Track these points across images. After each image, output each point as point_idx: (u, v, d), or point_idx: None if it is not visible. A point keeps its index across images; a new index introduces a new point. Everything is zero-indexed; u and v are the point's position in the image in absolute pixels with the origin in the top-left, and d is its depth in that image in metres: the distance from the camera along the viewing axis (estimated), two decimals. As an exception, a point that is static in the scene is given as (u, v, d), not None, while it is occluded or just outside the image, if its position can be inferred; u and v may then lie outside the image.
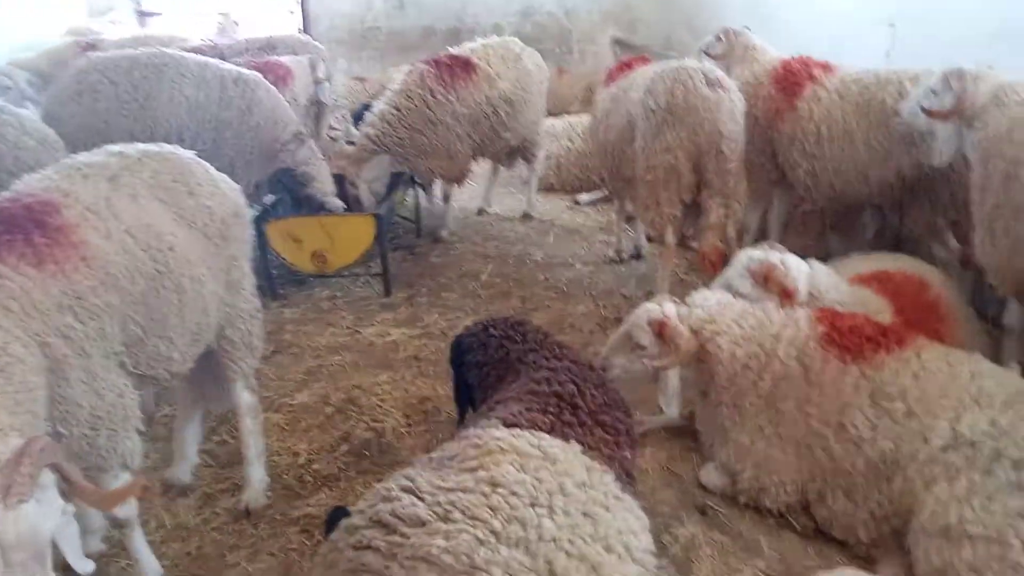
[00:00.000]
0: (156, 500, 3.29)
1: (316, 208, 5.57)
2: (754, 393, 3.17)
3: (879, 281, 3.79)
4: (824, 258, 4.17)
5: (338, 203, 5.60)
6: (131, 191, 2.77)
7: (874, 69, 4.69)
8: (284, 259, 5.42)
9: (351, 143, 6.26)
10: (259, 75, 5.32)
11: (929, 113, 3.86)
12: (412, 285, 5.68)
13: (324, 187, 5.52)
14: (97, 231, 2.55)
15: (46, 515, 1.87)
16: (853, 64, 4.84)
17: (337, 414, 3.97)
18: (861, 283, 3.79)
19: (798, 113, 4.75)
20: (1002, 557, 2.41)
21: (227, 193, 3.13)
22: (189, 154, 3.11)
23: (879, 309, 3.59)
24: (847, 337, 3.08)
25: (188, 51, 5.53)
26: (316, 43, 8.63)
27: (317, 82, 7.14)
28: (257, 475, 3.36)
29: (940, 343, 3.11)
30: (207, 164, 3.14)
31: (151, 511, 3.18)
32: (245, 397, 3.31)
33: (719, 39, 5.27)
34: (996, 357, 3.68)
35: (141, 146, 3.02)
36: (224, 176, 3.19)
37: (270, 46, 7.67)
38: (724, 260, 4.54)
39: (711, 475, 3.33)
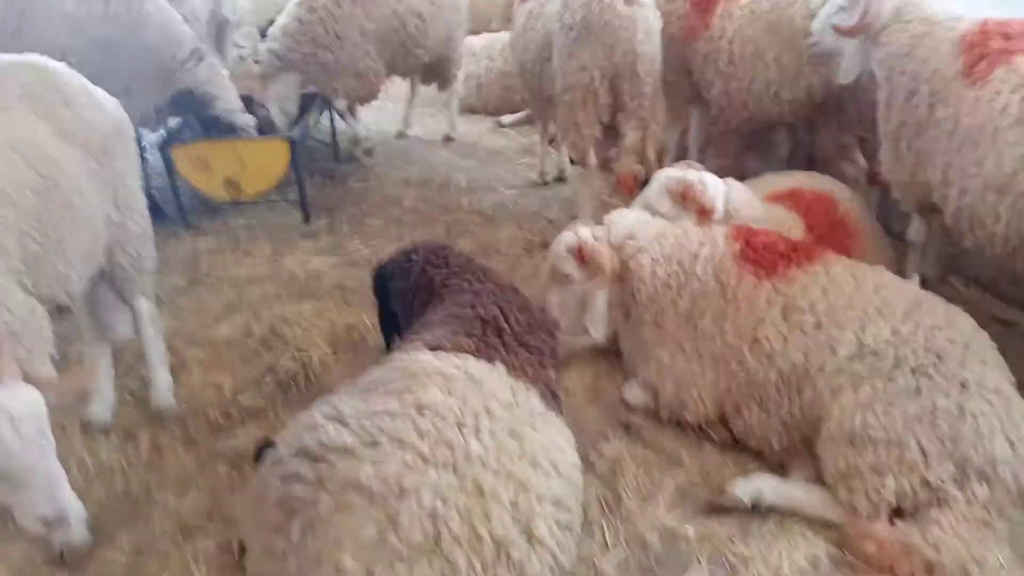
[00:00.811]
0: (76, 440, 3.18)
1: (225, 131, 5.29)
2: (673, 310, 3.25)
3: (792, 199, 3.90)
4: (740, 177, 4.26)
5: (248, 120, 5.32)
6: (2, 104, 2.62)
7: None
8: (194, 186, 5.17)
9: (258, 62, 5.93)
10: (145, -14, 4.91)
11: (837, 30, 3.90)
12: (332, 212, 5.53)
13: (229, 105, 5.21)
14: None
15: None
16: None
17: (260, 346, 3.89)
18: (775, 201, 3.90)
19: (712, 31, 4.72)
20: (900, 459, 2.58)
21: (105, 106, 2.99)
22: (60, 64, 2.94)
23: (792, 226, 3.71)
24: (761, 254, 3.16)
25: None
26: None
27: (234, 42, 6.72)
28: (162, 378, 3.40)
29: (848, 257, 3.24)
30: (80, 76, 2.98)
31: (72, 452, 3.07)
32: (141, 303, 3.29)
33: None
34: (901, 270, 3.88)
35: (5, 56, 2.81)
36: (100, 89, 3.04)
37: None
38: (640, 183, 4.59)
39: (634, 392, 3.43)
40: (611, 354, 3.76)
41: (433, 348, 2.56)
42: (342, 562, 1.91)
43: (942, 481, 2.54)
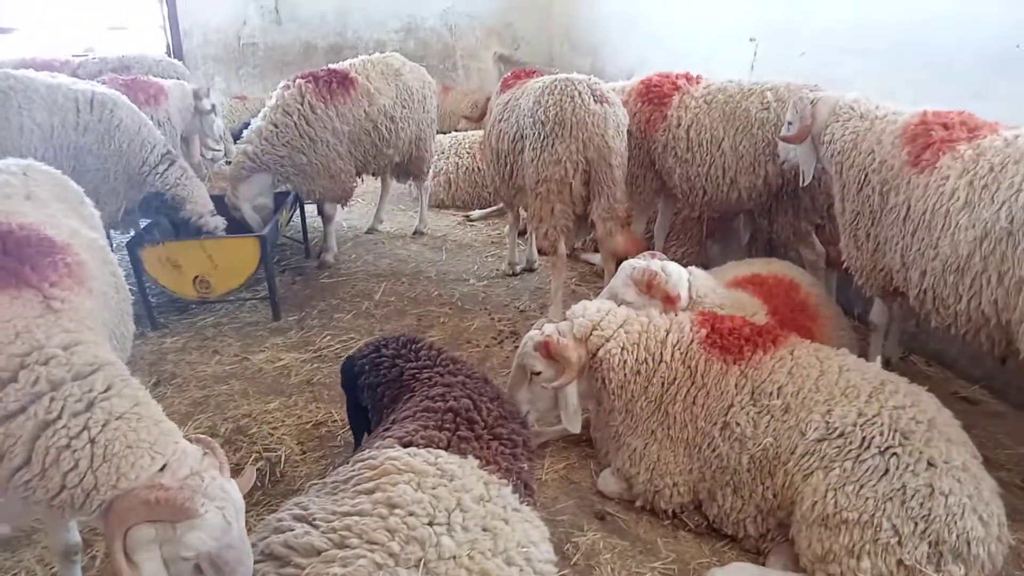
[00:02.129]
0: (25, 552, 3.04)
1: (196, 231, 5.34)
2: (644, 398, 3.27)
3: (754, 284, 4.00)
4: (704, 264, 4.37)
5: (218, 223, 5.37)
6: (46, 206, 2.67)
7: (738, 80, 4.98)
8: (163, 286, 5.16)
9: (230, 163, 6.05)
10: (119, 94, 5.05)
11: (785, 139, 4.30)
12: (302, 308, 5.54)
13: (199, 208, 5.28)
14: (82, 251, 2.48)
15: None
16: (723, 75, 5.11)
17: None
18: (738, 287, 4.00)
19: (668, 121, 4.97)
20: (875, 540, 2.58)
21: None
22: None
23: (755, 311, 3.79)
24: (727, 339, 3.22)
25: (39, 70, 5.18)
26: (174, 61, 8.36)
27: (202, 112, 6.92)
28: None
29: (811, 340, 3.31)
30: None
31: (22, 566, 2.93)
32: None
33: None
34: (862, 351, 3.96)
35: (12, 161, 2.88)
36: None
37: (123, 66, 7.37)
38: (640, 247, 4.71)
39: (608, 481, 3.40)
40: (584, 443, 3.75)
41: (404, 443, 2.55)
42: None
43: (918, 562, 2.53)
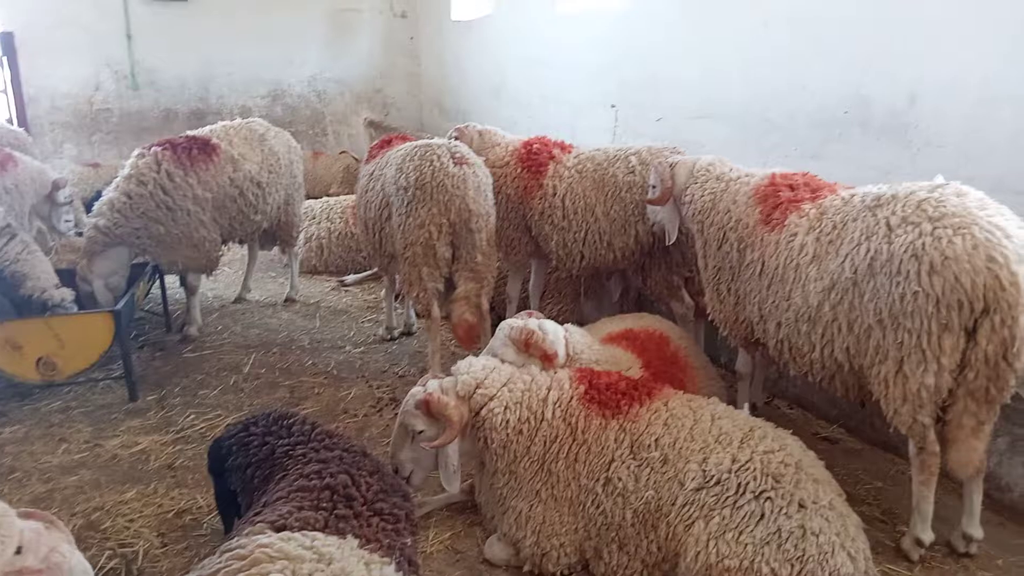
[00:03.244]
0: None
1: (40, 308, 4.91)
2: (527, 457, 3.24)
3: (627, 339, 4.11)
4: (579, 321, 4.46)
5: (64, 295, 4.97)
6: None
7: (604, 147, 5.23)
8: (2, 369, 4.68)
9: (81, 234, 5.66)
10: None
11: (650, 202, 4.54)
12: (162, 385, 5.17)
13: (41, 284, 4.88)
14: None
15: None
16: (587, 139, 5.34)
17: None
18: (612, 342, 4.09)
19: (544, 190, 5.12)
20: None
21: None
22: None
23: (629, 364, 3.89)
24: (605, 394, 3.27)
25: None
26: (14, 128, 7.90)
27: (56, 203, 6.49)
28: None
29: (683, 391, 3.41)
30: None
31: None
32: None
33: (455, 138, 5.48)
34: (731, 399, 4.13)
35: None
36: None
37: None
38: (475, 332, 4.72)
39: (495, 549, 3.33)
40: (469, 510, 3.66)
41: (277, 528, 2.38)
42: None
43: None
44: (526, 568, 3.21)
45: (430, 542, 3.43)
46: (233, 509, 3.08)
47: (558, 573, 3.16)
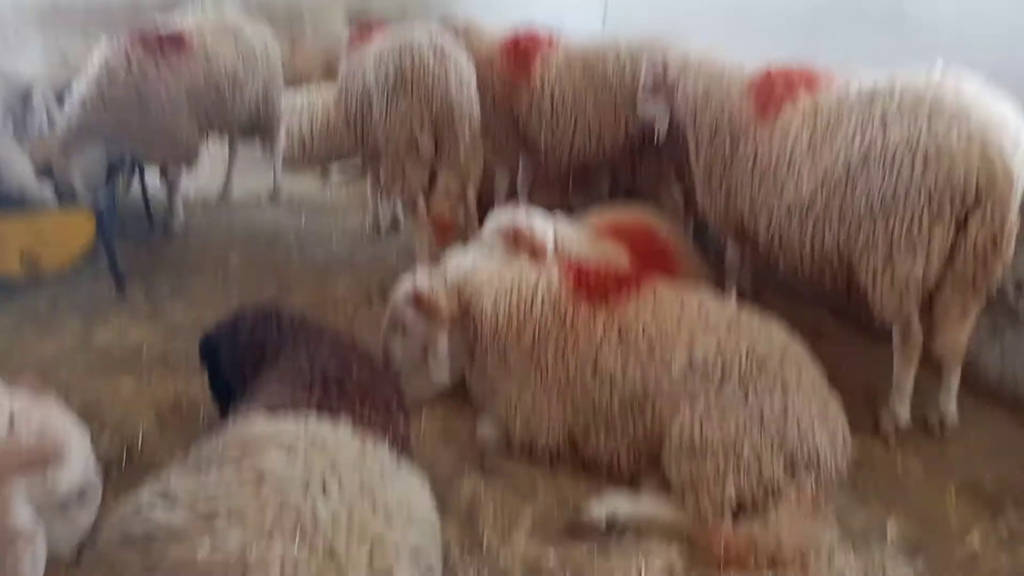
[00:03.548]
0: None
1: (18, 202, 4.81)
2: (517, 347, 3.29)
3: (615, 231, 4.11)
4: (567, 214, 4.43)
5: (44, 191, 4.87)
6: None
7: (593, 39, 5.06)
8: (-17, 264, 4.64)
9: (55, 130, 5.48)
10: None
11: (642, 97, 4.39)
12: (149, 277, 5.14)
13: (18, 179, 4.76)
14: None
15: None
16: (576, 30, 5.16)
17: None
18: (600, 234, 4.08)
19: (533, 83, 4.98)
20: (737, 463, 2.74)
21: None
22: None
23: (617, 256, 3.89)
24: (593, 285, 3.29)
25: None
26: None
27: (29, 105, 6.18)
28: None
29: (671, 280, 3.44)
30: None
31: None
32: None
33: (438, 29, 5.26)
34: (719, 289, 4.17)
35: None
36: None
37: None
38: (450, 227, 4.71)
39: (486, 429, 3.42)
40: (460, 394, 3.74)
41: (271, 411, 2.43)
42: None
43: (775, 477, 2.72)
44: (516, 448, 3.31)
45: (422, 424, 3.51)
46: (228, 397, 3.13)
47: (547, 454, 3.26)
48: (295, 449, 2.18)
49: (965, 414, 3.50)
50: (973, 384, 3.82)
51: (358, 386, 2.66)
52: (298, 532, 1.97)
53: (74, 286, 5.01)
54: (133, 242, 5.79)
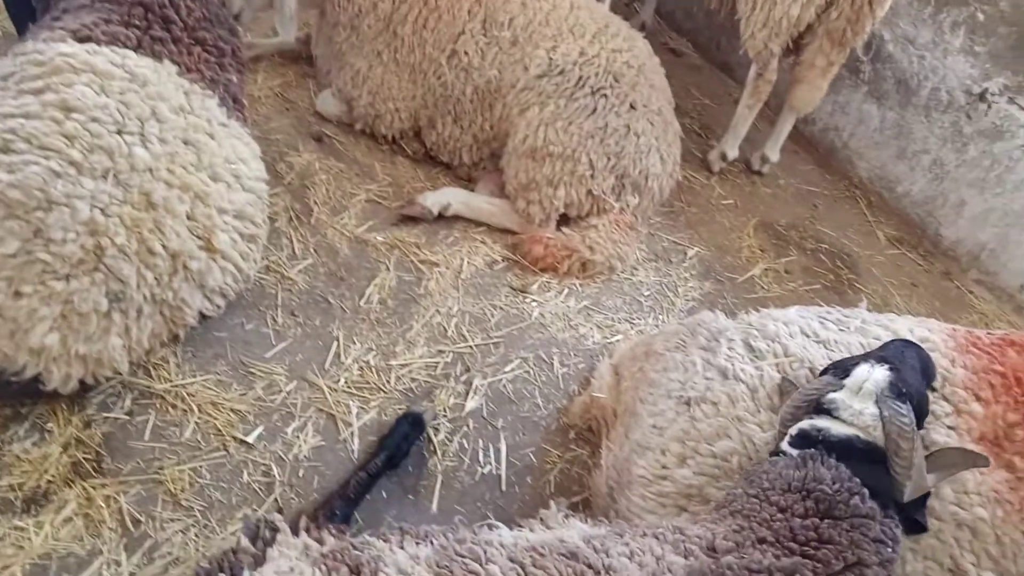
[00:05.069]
0: None
1: None
2: (373, 14, 3.03)
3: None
4: None
5: None
6: None
7: None
8: None
9: None
10: None
11: None
12: None
13: None
14: None
15: None
16: None
17: None
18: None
19: None
20: (572, 172, 2.83)
21: None
22: None
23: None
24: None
25: None
26: None
27: None
28: None
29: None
30: None
31: None
32: None
33: None
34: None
35: None
36: None
37: None
38: None
39: (327, 102, 3.25)
40: (303, 61, 3.49)
41: (80, 38, 2.12)
42: (-22, 282, 1.67)
43: (604, 192, 2.87)
44: (357, 126, 3.21)
45: (259, 87, 3.28)
46: (26, 11, 2.70)
47: (389, 136, 3.20)
48: (109, 87, 1.96)
49: (783, 161, 3.77)
50: (801, 133, 4.08)
51: (188, 27, 2.36)
52: (111, 175, 1.85)
53: None
54: None
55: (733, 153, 3.61)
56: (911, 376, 1.50)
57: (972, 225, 3.50)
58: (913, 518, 1.39)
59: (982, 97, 3.38)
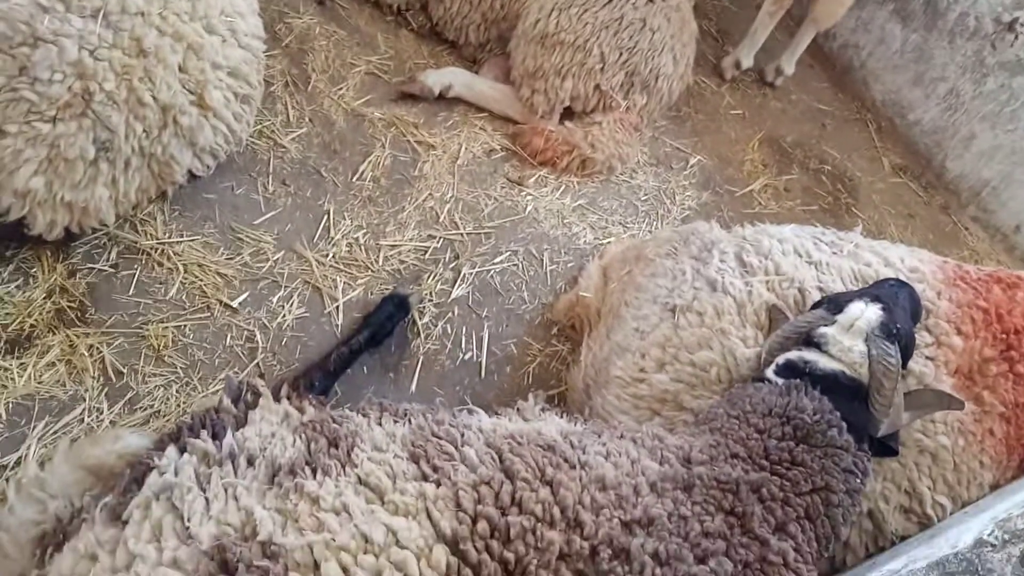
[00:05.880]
0: None
1: None
2: None
3: None
4: None
5: None
6: None
7: None
8: None
9: None
10: None
11: None
12: None
13: None
14: None
15: None
16: None
17: None
18: None
19: None
20: (582, 63, 2.73)
21: None
22: None
23: None
24: None
25: None
26: None
27: None
28: None
29: None
30: None
31: None
32: None
33: None
34: None
35: None
36: None
37: None
38: None
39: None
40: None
41: None
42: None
43: (612, 88, 2.78)
44: (363, -9, 3.05)
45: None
46: None
47: (395, 7, 3.04)
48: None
49: (797, 75, 3.66)
50: (820, 48, 3.94)
51: None
52: (101, 15, 1.76)
53: None
54: None
55: (748, 62, 3.49)
56: (902, 318, 1.51)
57: (978, 160, 3.45)
58: (885, 443, 1.43)
59: (1011, 27, 3.26)
